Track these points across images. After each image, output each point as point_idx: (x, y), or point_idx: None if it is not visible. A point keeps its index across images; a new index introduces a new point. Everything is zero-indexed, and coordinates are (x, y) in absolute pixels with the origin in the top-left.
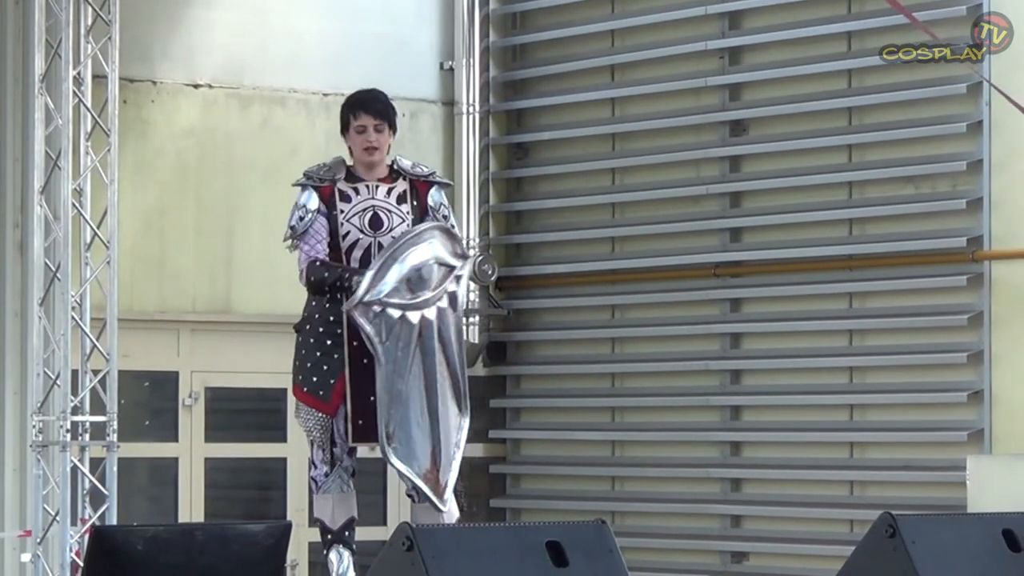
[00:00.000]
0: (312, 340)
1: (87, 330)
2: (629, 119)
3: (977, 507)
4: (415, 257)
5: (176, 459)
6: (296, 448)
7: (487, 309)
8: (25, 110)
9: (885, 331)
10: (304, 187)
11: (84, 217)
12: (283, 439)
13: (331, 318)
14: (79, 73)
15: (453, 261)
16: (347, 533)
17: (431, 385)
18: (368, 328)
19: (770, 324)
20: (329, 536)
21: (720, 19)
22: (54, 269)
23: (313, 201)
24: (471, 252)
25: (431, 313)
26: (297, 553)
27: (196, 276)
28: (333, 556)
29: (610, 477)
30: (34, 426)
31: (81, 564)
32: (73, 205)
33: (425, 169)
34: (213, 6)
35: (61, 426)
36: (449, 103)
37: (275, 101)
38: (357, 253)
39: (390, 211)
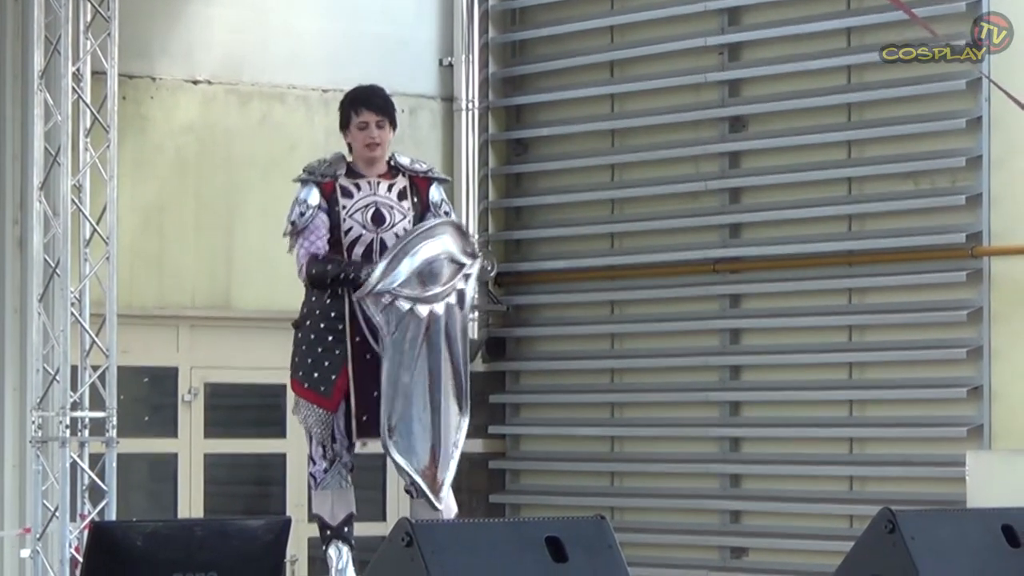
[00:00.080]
0: (313, 336)
1: (86, 326)
2: (628, 115)
3: (977, 502)
4: (427, 251)
5: (175, 455)
6: (295, 444)
7: (486, 305)
8: (24, 106)
9: (884, 327)
10: (305, 182)
11: (83, 213)
12: (282, 435)
13: (332, 313)
14: (78, 69)
15: (463, 258)
16: (346, 529)
17: (435, 381)
18: (378, 317)
19: (769, 320)
20: (328, 532)
21: (719, 15)
22: (53, 265)
23: (314, 197)
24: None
25: (440, 308)
26: (297, 549)
27: (195, 272)
28: (332, 552)
29: (609, 473)
30: (33, 422)
31: (80, 560)
32: (72, 201)
33: (424, 165)
34: (212, 2)
35: (60, 422)
36: (448, 99)
37: (274, 97)
38: (359, 249)
39: (392, 207)
